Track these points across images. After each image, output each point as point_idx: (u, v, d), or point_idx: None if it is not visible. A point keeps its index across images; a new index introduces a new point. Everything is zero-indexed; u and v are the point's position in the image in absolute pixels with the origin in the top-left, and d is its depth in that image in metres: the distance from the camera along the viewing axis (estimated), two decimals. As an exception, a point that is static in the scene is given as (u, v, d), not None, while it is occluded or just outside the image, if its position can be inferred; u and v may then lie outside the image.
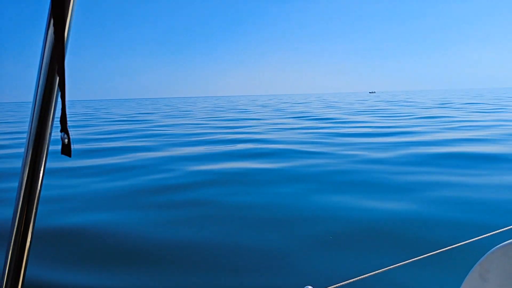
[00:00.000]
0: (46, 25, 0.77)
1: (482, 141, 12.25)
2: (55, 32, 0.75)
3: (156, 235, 5.00)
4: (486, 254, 1.50)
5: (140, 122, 29.97)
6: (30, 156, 0.80)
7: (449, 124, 18.70)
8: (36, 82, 0.78)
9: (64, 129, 0.78)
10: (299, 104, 61.53)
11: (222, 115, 35.60)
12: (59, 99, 0.80)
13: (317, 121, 24.11)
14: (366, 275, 1.66)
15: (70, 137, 0.79)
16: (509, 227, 2.04)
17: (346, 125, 20.69)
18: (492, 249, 1.48)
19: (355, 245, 4.44)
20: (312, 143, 13.75)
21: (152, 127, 23.93)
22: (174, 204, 6.45)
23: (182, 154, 12.29)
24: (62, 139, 0.79)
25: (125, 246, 4.67)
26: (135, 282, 3.75)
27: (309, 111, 38.79)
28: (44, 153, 0.81)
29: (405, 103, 48.89)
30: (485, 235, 1.86)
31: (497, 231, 2.01)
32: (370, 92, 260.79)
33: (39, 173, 0.82)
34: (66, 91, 0.76)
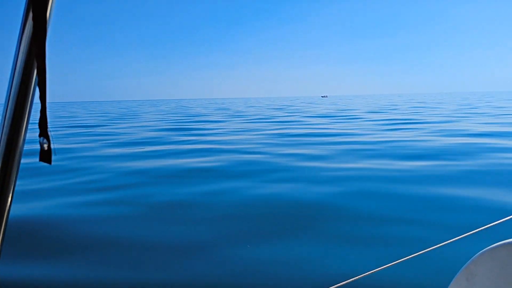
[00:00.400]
0: (23, 15, 0.68)
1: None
2: (34, 24, 0.66)
3: (81, 229, 5.29)
4: (472, 258, 1.47)
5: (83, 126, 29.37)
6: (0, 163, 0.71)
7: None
8: (10, 81, 0.70)
9: (43, 133, 0.70)
10: (251, 107, 62.25)
11: (169, 118, 35.50)
12: (35, 101, 0.73)
13: (251, 123, 24.74)
14: (344, 282, 1.72)
15: (51, 142, 0.72)
16: (493, 223, 2.06)
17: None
18: (479, 252, 1.45)
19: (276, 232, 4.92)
20: (246, 142, 14.28)
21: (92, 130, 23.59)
22: (106, 201, 6.71)
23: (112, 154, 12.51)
24: (41, 144, 0.70)
25: (59, 239, 4.94)
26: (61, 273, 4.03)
27: (259, 113, 39.52)
28: (16, 160, 0.72)
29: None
30: (468, 234, 1.89)
31: (481, 228, 2.00)
32: (322, 96, 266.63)
33: (10, 183, 0.72)
34: (46, 92, 0.68)
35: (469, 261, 1.48)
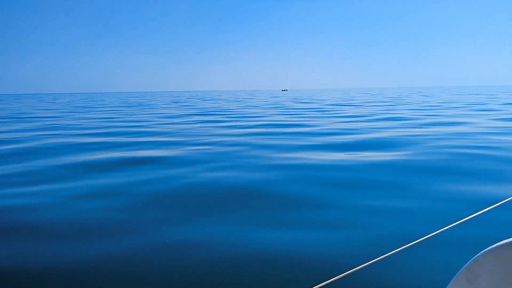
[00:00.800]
0: None
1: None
2: None
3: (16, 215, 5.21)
4: (474, 258, 1.42)
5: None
6: None
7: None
8: None
9: None
10: (207, 101, 61.92)
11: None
12: None
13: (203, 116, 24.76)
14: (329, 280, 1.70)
15: None
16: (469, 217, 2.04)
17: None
18: (481, 252, 1.41)
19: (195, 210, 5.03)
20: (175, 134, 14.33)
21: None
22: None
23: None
24: None
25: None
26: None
27: (213, 107, 39.45)
28: None
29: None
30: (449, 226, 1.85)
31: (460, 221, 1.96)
32: (282, 90, 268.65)
33: None
34: None
35: (470, 261, 1.42)
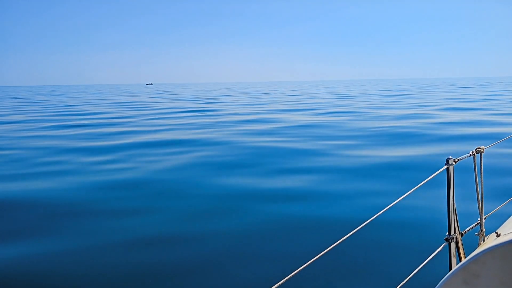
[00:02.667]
0: None
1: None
2: None
3: None
4: (472, 257, 1.38)
5: None
6: None
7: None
8: None
9: None
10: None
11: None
12: None
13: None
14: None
15: None
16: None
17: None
18: (481, 250, 1.37)
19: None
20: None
21: None
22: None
23: None
24: None
25: None
26: None
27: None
28: None
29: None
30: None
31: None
32: (147, 84, 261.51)
33: None
34: None
35: (466, 261, 1.38)
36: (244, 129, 16.09)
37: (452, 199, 2.28)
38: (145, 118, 22.53)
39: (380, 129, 15.84)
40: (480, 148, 2.45)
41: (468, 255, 1.51)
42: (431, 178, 2.34)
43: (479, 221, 2.50)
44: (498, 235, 1.89)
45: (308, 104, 33.35)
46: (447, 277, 1.40)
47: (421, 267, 2.30)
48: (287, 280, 1.71)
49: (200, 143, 12.88)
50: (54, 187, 7.91)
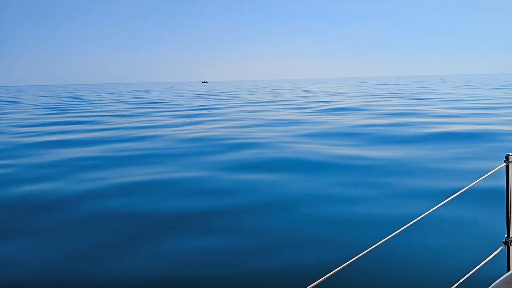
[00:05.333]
0: None
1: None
2: None
3: None
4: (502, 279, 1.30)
5: None
6: None
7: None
8: None
9: None
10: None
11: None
12: None
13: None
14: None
15: None
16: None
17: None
18: (496, 284, 1.29)
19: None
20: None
21: None
22: None
23: None
24: None
25: None
26: None
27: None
28: None
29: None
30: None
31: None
32: (202, 82, 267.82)
33: None
34: None
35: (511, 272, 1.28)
36: None
37: (511, 199, 2.13)
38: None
39: None
40: None
41: None
42: (488, 175, 2.19)
43: None
44: None
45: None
46: (502, 279, 1.30)
47: (476, 270, 2.18)
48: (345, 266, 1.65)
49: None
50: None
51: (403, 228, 1.85)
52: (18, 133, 17.24)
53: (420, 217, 1.98)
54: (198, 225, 5.39)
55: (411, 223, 1.96)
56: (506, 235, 2.13)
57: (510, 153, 2.12)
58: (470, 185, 2.19)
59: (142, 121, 20.87)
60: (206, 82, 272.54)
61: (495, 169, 2.20)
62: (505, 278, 1.30)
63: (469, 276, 2.12)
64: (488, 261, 2.21)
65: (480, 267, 2.20)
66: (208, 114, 24.20)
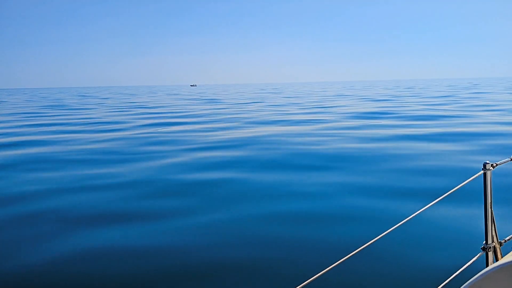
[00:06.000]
0: None
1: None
2: None
3: None
4: (481, 274, 1.32)
5: None
6: None
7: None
8: None
9: None
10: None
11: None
12: None
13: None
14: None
15: None
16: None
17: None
18: (489, 268, 1.31)
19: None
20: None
21: None
22: None
23: None
24: None
25: None
26: None
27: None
28: None
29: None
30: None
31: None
32: (191, 85, 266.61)
33: None
34: None
35: (474, 279, 1.31)
36: None
37: (489, 206, 2.15)
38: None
39: None
40: None
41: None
42: (466, 183, 2.21)
43: None
44: None
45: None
46: (480, 275, 1.31)
47: (454, 277, 2.18)
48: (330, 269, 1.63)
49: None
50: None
51: (386, 232, 1.86)
52: None
53: (397, 225, 1.98)
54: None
55: (385, 232, 1.96)
56: (484, 242, 2.14)
57: (487, 161, 2.13)
58: (448, 193, 2.19)
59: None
60: (195, 85, 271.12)
61: (473, 177, 2.22)
62: (483, 273, 1.32)
63: (447, 283, 2.13)
64: (467, 267, 2.22)
65: (458, 274, 2.21)
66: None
